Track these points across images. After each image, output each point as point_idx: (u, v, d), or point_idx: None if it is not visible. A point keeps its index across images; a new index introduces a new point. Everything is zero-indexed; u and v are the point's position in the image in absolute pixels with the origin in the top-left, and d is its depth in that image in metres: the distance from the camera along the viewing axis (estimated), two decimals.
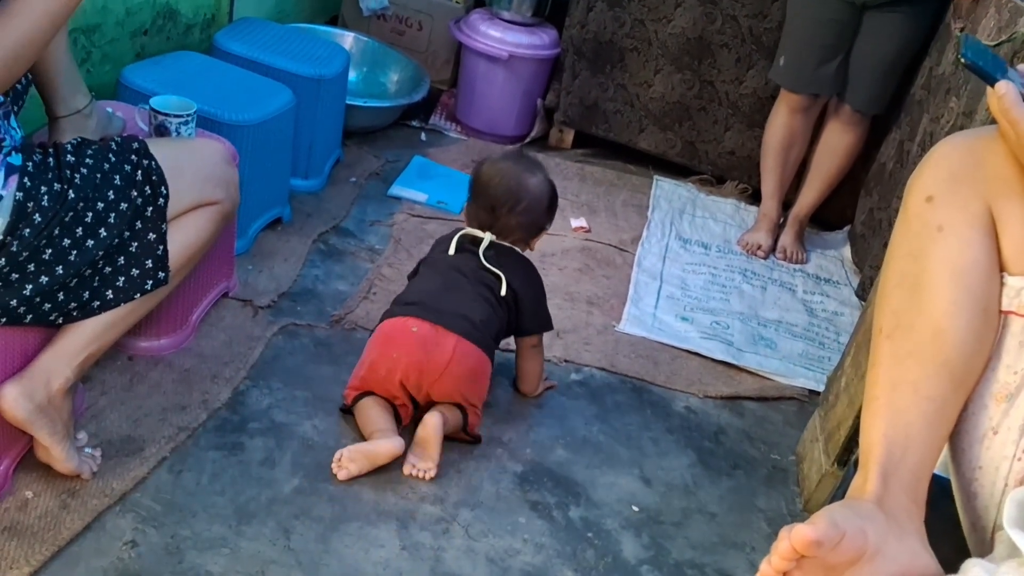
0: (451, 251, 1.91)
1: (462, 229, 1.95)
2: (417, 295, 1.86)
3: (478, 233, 1.92)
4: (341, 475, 1.68)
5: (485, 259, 1.88)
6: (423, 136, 3.21)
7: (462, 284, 1.85)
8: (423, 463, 1.74)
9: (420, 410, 1.82)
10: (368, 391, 1.81)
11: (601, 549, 1.70)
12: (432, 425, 1.73)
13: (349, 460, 1.69)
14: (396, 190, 2.78)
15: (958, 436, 1.05)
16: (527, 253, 1.99)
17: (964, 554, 1.02)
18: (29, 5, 1.27)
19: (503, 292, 1.86)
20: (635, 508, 1.82)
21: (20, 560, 1.40)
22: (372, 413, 1.78)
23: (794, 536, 0.87)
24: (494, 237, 1.91)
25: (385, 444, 1.71)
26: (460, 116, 3.34)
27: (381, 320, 1.87)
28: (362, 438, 1.78)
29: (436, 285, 1.86)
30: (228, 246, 2.04)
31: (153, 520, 1.53)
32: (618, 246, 2.78)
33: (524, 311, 1.92)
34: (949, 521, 1.10)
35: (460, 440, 1.84)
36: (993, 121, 1.03)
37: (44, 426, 1.47)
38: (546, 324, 1.98)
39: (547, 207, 1.96)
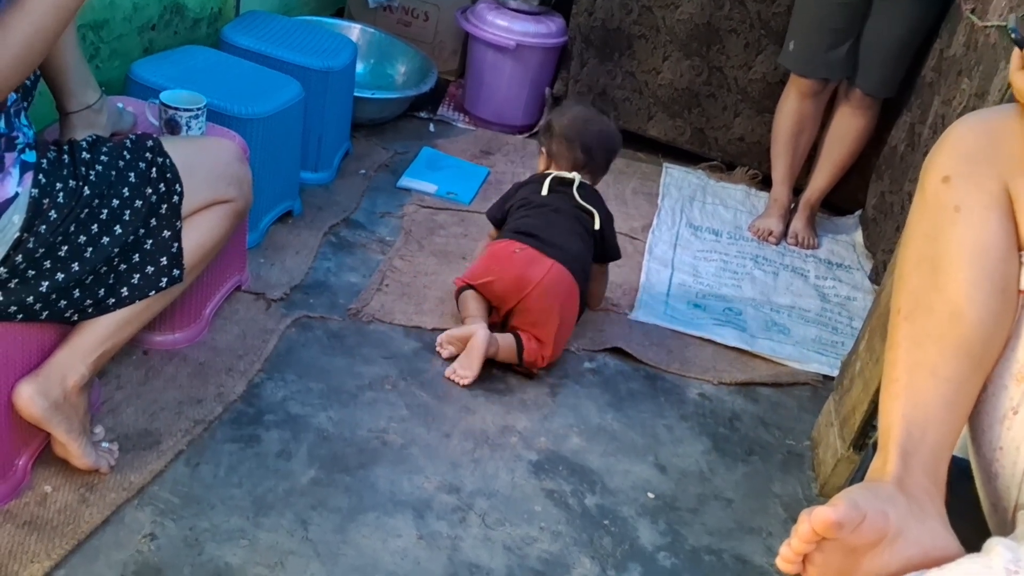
0: (544, 191, 2.16)
1: (550, 173, 2.21)
2: (524, 226, 2.12)
3: (567, 175, 2.18)
4: (444, 354, 2.03)
5: (580, 197, 2.15)
6: (431, 127, 3.21)
7: (559, 221, 2.11)
8: (463, 370, 1.99)
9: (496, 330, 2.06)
10: (470, 285, 2.08)
11: (618, 536, 1.70)
12: (479, 337, 1.97)
13: (448, 342, 2.03)
14: (405, 181, 2.78)
15: (978, 417, 1.05)
16: None
17: (984, 535, 1.01)
18: None
19: (596, 227, 2.14)
20: (651, 495, 1.82)
21: (40, 554, 1.41)
22: (470, 303, 2.07)
23: (815, 518, 0.87)
24: (581, 178, 2.18)
25: (469, 328, 2.00)
26: (468, 106, 3.34)
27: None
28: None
29: (539, 220, 2.12)
30: (240, 240, 2.04)
31: (171, 513, 1.54)
32: (629, 234, 2.77)
33: (607, 241, 2.20)
34: (969, 502, 1.10)
35: (514, 369, 2.05)
36: (1004, 100, 1.03)
37: (60, 423, 1.48)
38: (618, 253, 2.27)
39: (617, 151, 2.29)
